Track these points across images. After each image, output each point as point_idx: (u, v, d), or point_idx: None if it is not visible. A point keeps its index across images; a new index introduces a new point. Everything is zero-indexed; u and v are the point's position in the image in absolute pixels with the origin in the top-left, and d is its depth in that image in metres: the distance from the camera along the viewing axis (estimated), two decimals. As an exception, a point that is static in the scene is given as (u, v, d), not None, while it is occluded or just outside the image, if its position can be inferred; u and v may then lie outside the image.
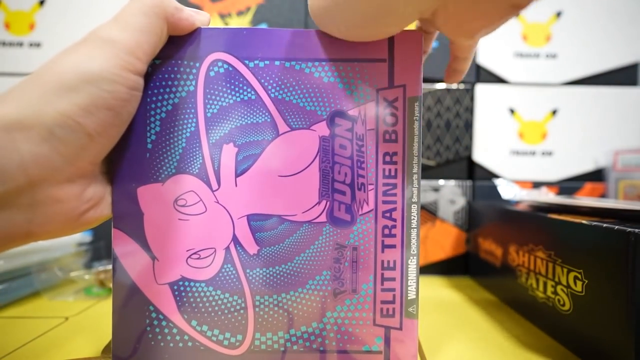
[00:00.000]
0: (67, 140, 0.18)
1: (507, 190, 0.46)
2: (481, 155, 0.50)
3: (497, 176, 0.50)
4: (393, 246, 0.22)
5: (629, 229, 0.22)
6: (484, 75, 0.51)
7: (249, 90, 0.22)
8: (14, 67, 0.49)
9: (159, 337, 0.22)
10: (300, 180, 0.22)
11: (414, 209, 0.22)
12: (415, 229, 0.22)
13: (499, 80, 0.51)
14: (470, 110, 0.50)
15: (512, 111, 0.50)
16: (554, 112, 0.50)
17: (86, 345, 0.28)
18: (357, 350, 0.22)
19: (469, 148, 0.50)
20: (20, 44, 0.49)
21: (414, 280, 0.23)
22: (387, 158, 0.22)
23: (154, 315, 0.22)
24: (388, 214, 0.22)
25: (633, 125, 0.50)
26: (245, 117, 0.22)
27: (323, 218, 0.22)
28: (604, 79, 0.50)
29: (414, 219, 0.22)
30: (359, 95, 0.22)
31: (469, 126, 0.50)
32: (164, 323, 0.22)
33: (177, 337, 0.22)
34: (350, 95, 0.22)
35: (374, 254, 0.22)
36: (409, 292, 0.23)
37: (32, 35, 0.49)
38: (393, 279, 0.22)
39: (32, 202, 0.18)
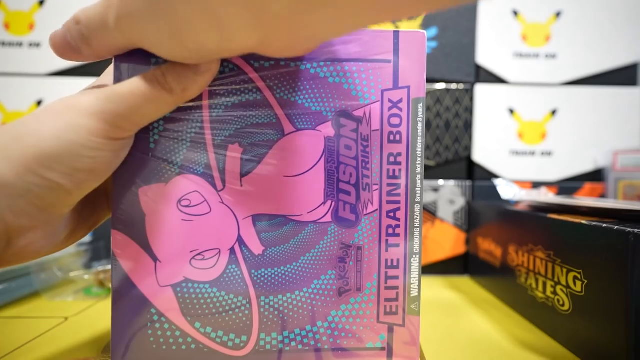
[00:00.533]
0: (44, 196, 0.18)
1: (507, 191, 0.46)
2: (480, 155, 0.50)
3: (496, 176, 0.50)
4: (397, 245, 0.23)
5: (629, 229, 0.22)
6: (483, 75, 0.51)
7: (254, 90, 0.22)
8: (14, 67, 0.49)
9: (161, 340, 0.22)
10: (306, 180, 0.22)
11: (417, 208, 0.23)
12: (418, 228, 0.23)
13: (498, 80, 0.51)
14: (469, 110, 0.50)
15: (511, 111, 0.50)
16: (554, 112, 0.50)
17: (86, 345, 0.28)
18: (361, 348, 0.23)
19: (468, 148, 0.50)
20: (20, 44, 0.49)
21: (417, 278, 0.23)
22: (392, 159, 0.22)
23: (155, 317, 0.22)
24: (392, 214, 0.23)
25: (632, 125, 0.50)
26: (251, 117, 0.22)
27: (328, 218, 0.22)
28: (604, 79, 0.50)
29: (417, 219, 0.23)
30: (364, 96, 0.22)
31: (468, 126, 0.50)
32: (166, 326, 0.22)
33: (180, 340, 0.22)
34: (356, 95, 0.22)
35: (378, 253, 0.23)
36: (411, 289, 0.23)
37: (32, 35, 0.49)
38: (396, 277, 0.23)
39: (6, 243, 0.19)
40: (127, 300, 0.21)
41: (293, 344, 0.22)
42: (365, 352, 0.23)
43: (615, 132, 0.50)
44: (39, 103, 0.49)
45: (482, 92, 0.50)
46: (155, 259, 0.22)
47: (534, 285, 0.32)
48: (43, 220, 0.19)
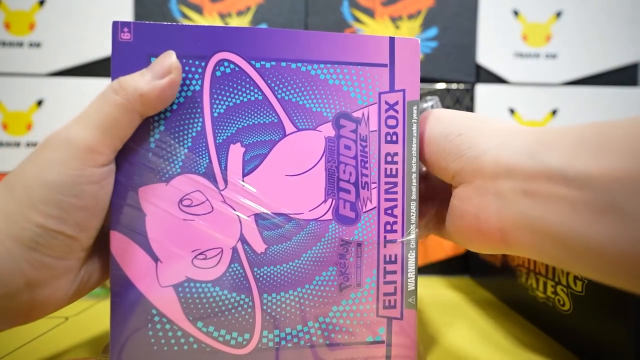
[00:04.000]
0: (53, 244, 0.18)
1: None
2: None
3: (497, 176, 0.50)
4: (394, 241, 0.23)
5: (629, 229, 0.22)
6: (483, 75, 0.51)
7: (255, 90, 0.22)
8: (14, 67, 0.49)
9: (162, 340, 0.22)
10: (307, 179, 0.22)
11: (413, 205, 0.23)
12: (414, 225, 0.23)
13: (499, 80, 0.51)
14: (470, 110, 0.50)
15: (512, 111, 0.50)
16: (554, 112, 0.50)
17: (86, 345, 0.28)
18: (361, 342, 0.23)
19: (468, 148, 0.50)
20: (20, 44, 0.49)
21: (413, 273, 0.23)
22: (389, 158, 0.23)
23: (156, 318, 0.21)
24: (390, 211, 0.23)
25: (633, 125, 0.50)
26: (252, 117, 0.22)
27: (329, 216, 0.23)
28: (604, 79, 0.50)
29: (412, 215, 0.23)
30: (362, 98, 0.23)
31: (468, 126, 0.50)
32: (167, 326, 0.22)
33: (182, 340, 0.22)
34: (355, 97, 0.23)
35: (377, 249, 0.23)
36: (408, 284, 0.23)
37: (32, 35, 0.49)
38: (394, 272, 0.23)
39: (30, 296, 0.19)
40: (126, 301, 0.21)
41: (295, 340, 0.22)
42: (365, 345, 0.23)
43: (616, 132, 0.50)
44: (39, 103, 0.49)
45: (483, 92, 0.50)
46: (156, 259, 0.21)
47: (534, 285, 0.32)
48: (63, 269, 0.19)
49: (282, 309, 0.22)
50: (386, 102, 0.23)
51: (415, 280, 0.23)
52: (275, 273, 0.22)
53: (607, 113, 0.50)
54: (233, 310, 0.22)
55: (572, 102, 0.50)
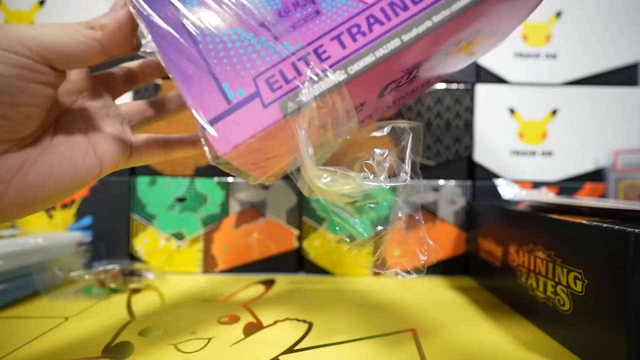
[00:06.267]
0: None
1: (507, 190, 0.46)
2: (481, 155, 0.50)
3: (497, 176, 0.50)
4: None
5: (629, 229, 0.22)
6: (484, 75, 0.51)
7: None
8: (14, 67, 0.49)
9: None
10: None
11: None
12: None
13: (499, 80, 0.51)
14: (470, 110, 0.50)
15: (512, 111, 0.50)
16: (554, 112, 0.50)
17: (86, 345, 0.28)
18: None
19: (469, 148, 0.50)
20: (20, 44, 0.49)
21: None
22: None
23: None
24: None
25: (633, 125, 0.50)
26: None
27: None
28: (604, 79, 0.50)
29: None
30: None
31: (469, 126, 0.50)
32: None
33: None
34: None
35: None
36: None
37: (32, 35, 0.49)
38: None
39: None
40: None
41: None
42: None
43: (616, 132, 0.50)
44: (40, 103, 0.49)
45: (483, 92, 0.50)
46: None
47: (534, 285, 0.32)
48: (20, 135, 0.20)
49: None
50: None
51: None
52: None
53: (607, 113, 0.50)
54: None
55: (572, 102, 0.50)
